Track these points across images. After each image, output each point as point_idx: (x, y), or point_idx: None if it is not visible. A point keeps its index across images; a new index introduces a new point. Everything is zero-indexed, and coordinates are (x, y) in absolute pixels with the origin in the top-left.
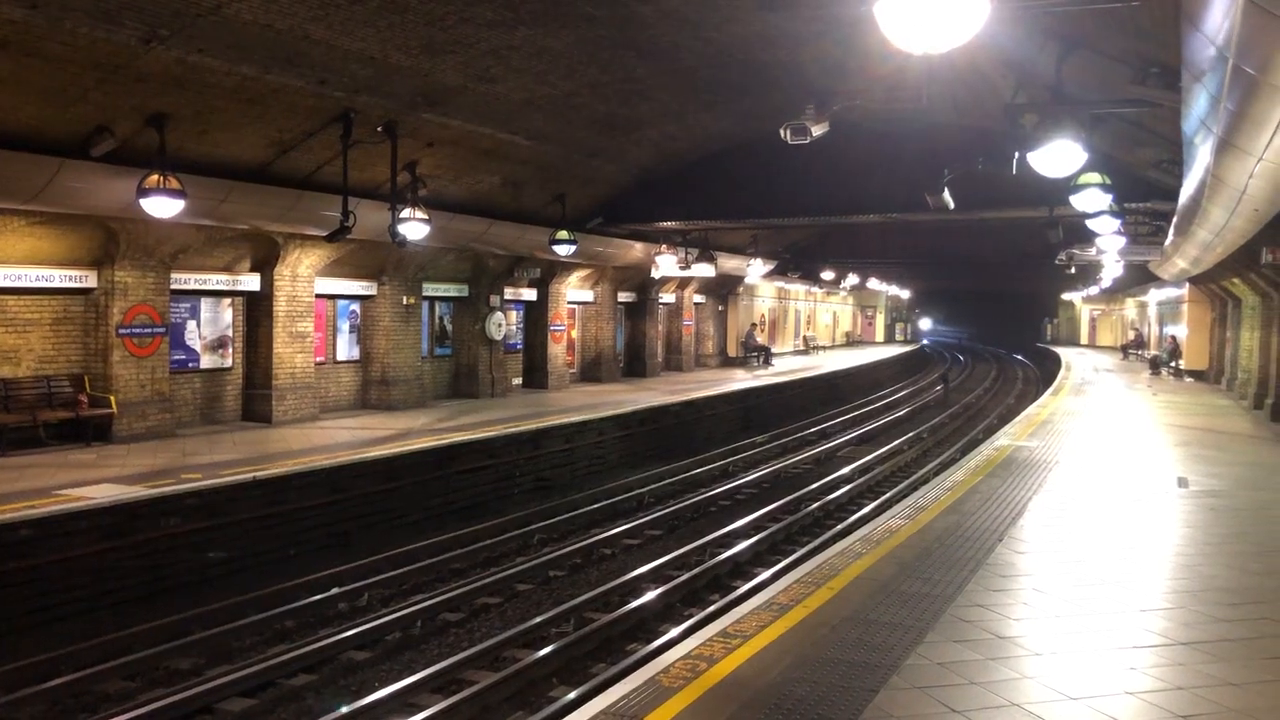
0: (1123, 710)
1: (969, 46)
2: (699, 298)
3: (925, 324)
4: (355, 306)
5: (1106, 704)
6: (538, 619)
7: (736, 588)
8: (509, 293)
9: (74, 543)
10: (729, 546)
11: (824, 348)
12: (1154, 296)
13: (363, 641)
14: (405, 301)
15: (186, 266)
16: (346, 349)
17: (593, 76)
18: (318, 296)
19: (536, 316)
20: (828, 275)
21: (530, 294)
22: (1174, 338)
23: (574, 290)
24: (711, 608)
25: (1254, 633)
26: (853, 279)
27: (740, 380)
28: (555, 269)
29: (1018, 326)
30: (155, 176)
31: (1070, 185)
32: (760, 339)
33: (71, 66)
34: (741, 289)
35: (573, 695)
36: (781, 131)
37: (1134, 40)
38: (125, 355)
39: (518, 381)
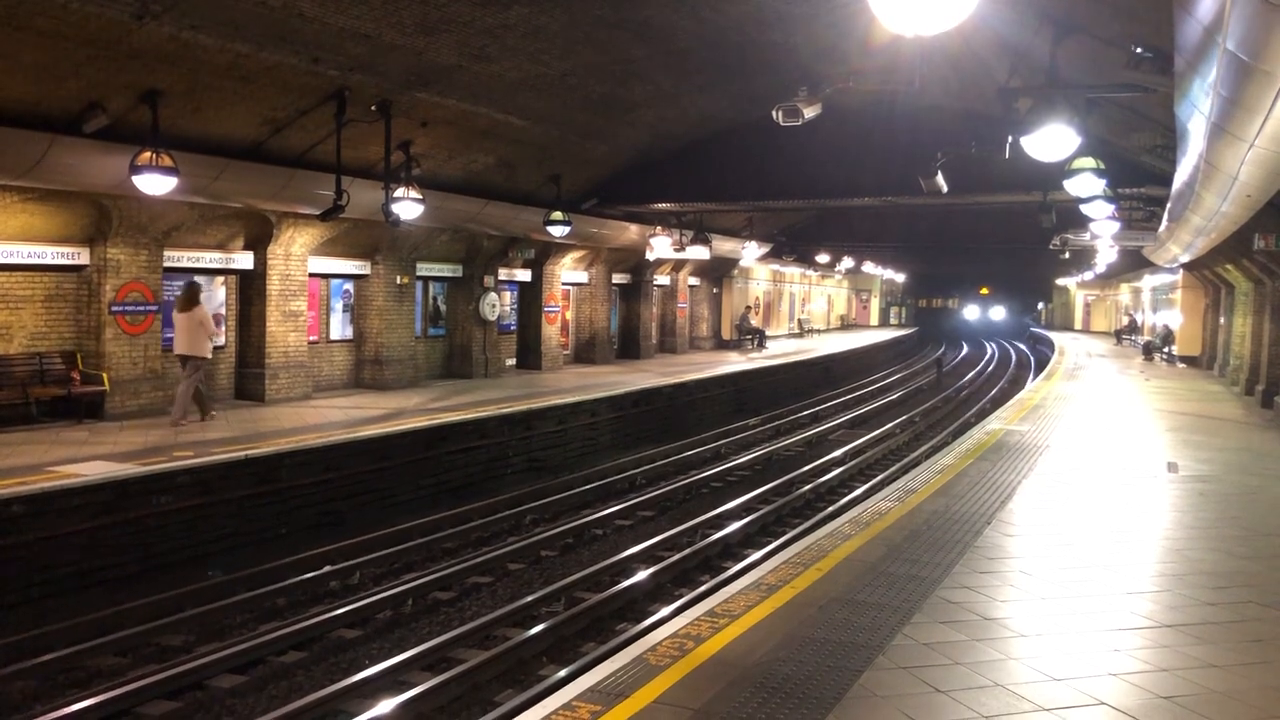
0: (1107, 691)
1: (963, 29)
2: (694, 280)
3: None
4: (349, 286)
5: (1091, 685)
6: (528, 598)
7: (726, 568)
8: (503, 273)
9: (66, 519)
10: (720, 528)
11: (818, 331)
12: (1148, 282)
13: (353, 619)
14: (399, 281)
15: (179, 244)
16: (340, 328)
17: (588, 57)
18: (311, 275)
19: (531, 297)
20: (822, 258)
21: (524, 275)
22: (1167, 326)
23: (568, 271)
24: (701, 588)
25: (1238, 616)
26: (848, 262)
27: (734, 363)
28: (550, 250)
29: (1015, 310)
30: (148, 153)
31: (1064, 170)
32: (755, 322)
33: (63, 42)
34: (736, 271)
35: (562, 673)
36: (774, 113)
37: (1128, 24)
38: (118, 333)
39: (511, 362)
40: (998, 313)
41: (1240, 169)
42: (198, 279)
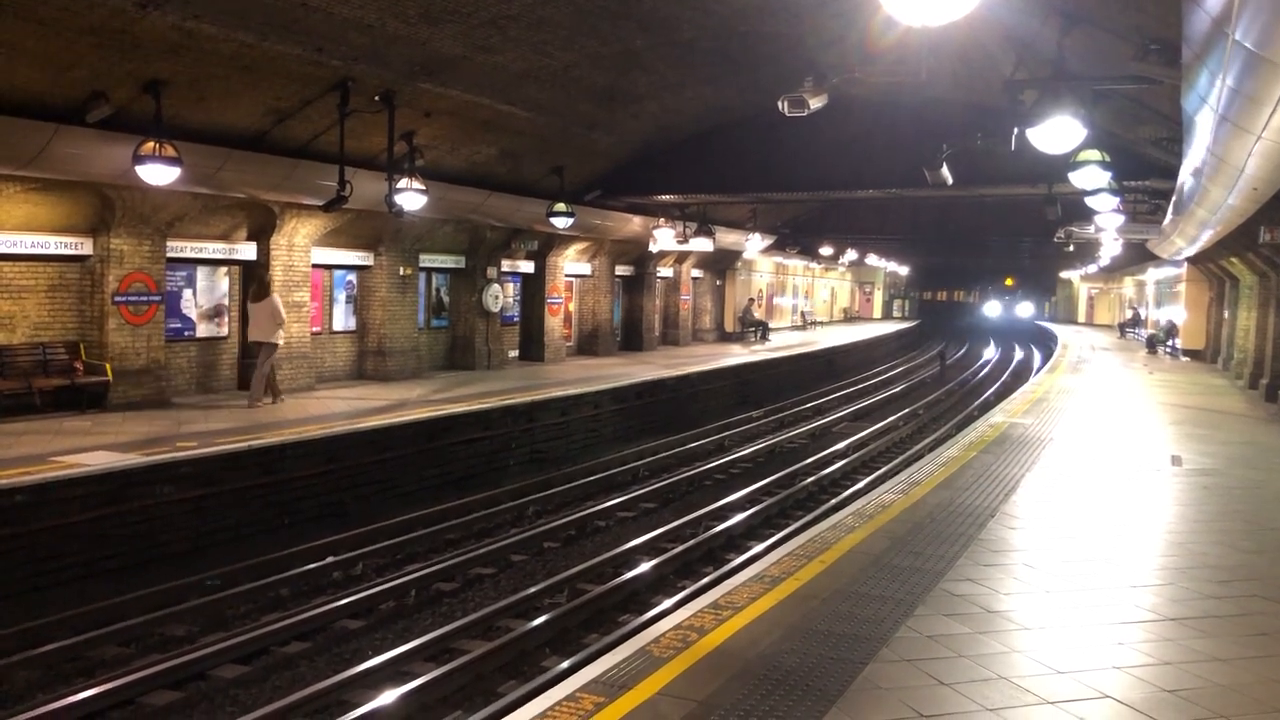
0: (1111, 684)
1: (970, 20)
2: (697, 272)
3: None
4: (352, 277)
5: (1094, 678)
6: (531, 589)
7: (729, 560)
8: (506, 265)
9: (69, 509)
10: (723, 520)
11: (821, 323)
12: (1152, 275)
13: (356, 610)
14: (402, 272)
15: (183, 235)
16: (343, 319)
17: (592, 48)
18: (314, 266)
19: (533, 289)
20: (826, 250)
21: (527, 266)
22: (1171, 320)
23: (571, 263)
24: (704, 580)
25: (1242, 609)
26: (851, 254)
27: (737, 355)
28: (553, 241)
29: (1023, 303)
30: (151, 143)
31: (1069, 162)
32: (758, 314)
33: (67, 31)
34: (739, 264)
35: (565, 665)
36: (779, 103)
37: (1135, 15)
38: (121, 323)
39: (514, 354)
40: (1003, 306)
41: (1247, 162)
42: (201, 268)
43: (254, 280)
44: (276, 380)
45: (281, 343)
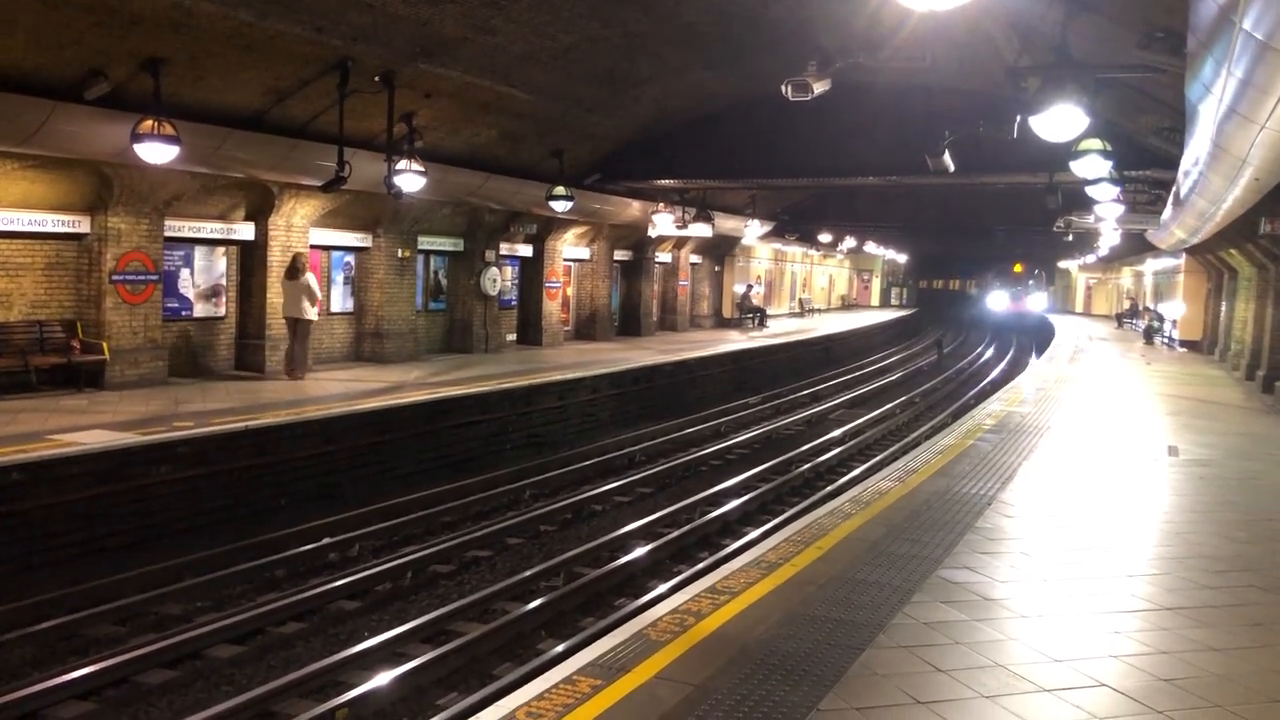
0: (1107, 673)
1: (975, 6)
2: (695, 258)
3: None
4: (350, 258)
5: (1091, 666)
6: (527, 572)
7: (725, 545)
8: (505, 248)
9: (65, 488)
10: (719, 505)
11: (819, 310)
12: (1150, 266)
13: (353, 591)
14: (400, 254)
15: (181, 214)
16: (340, 301)
17: (593, 30)
18: (312, 247)
19: (532, 273)
20: (825, 237)
21: (526, 250)
22: (1160, 312)
23: (570, 247)
24: (700, 565)
25: (1238, 599)
26: (850, 242)
27: (735, 341)
28: (552, 225)
29: (1024, 291)
30: (150, 122)
31: (1071, 151)
32: (756, 300)
33: (65, 8)
34: (738, 250)
35: (561, 648)
36: (783, 87)
37: (1140, 3)
38: (118, 302)
39: (512, 338)
40: (1010, 297)
41: (1250, 152)
42: (199, 248)
43: (283, 261)
44: (307, 358)
45: (315, 318)
